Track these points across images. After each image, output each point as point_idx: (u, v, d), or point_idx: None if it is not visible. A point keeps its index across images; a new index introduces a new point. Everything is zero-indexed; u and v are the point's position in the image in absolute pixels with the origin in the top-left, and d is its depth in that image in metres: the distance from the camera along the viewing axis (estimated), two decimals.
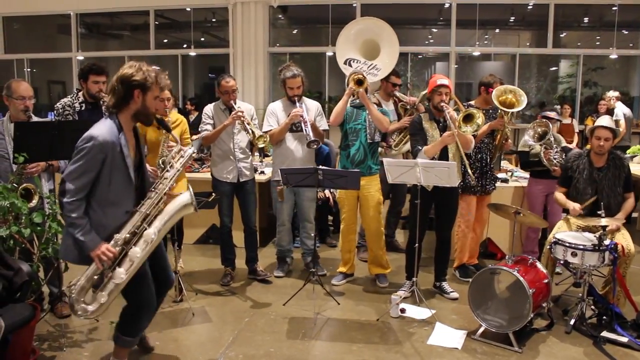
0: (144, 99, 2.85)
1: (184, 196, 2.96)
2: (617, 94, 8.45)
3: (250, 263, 5.00)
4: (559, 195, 4.42)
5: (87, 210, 2.79)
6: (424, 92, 5.11)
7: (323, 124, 4.94)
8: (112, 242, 2.81)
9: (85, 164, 2.71)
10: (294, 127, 4.78)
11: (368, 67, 5.79)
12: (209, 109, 4.78)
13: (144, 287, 3.00)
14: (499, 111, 4.68)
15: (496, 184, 5.03)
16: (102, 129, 2.76)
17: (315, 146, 4.65)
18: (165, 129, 3.37)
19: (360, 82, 4.47)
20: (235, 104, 4.66)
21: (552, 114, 5.13)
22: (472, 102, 4.98)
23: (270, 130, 4.80)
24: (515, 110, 4.64)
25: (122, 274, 2.81)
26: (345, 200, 4.80)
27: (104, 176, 2.77)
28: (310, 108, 4.84)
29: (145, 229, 2.86)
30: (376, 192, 4.75)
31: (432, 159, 4.30)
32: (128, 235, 2.84)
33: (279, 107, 4.90)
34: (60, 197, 2.77)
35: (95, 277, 2.85)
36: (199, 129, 4.78)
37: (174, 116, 4.62)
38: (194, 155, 3.12)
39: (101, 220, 2.82)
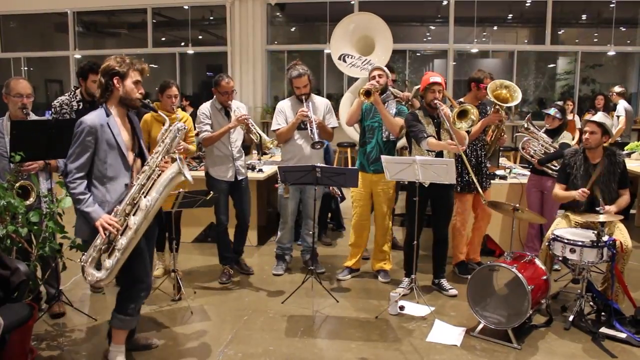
0: (123, 84, 3.10)
1: (174, 166, 3.08)
2: (622, 89, 8.43)
3: (236, 254, 5.04)
4: (560, 192, 4.40)
5: (91, 188, 3.06)
6: (417, 87, 5.11)
7: (332, 122, 4.93)
8: (112, 213, 3.03)
9: (79, 146, 3.00)
10: (302, 124, 4.77)
11: (362, 62, 5.80)
12: (205, 108, 4.75)
13: (137, 264, 3.16)
14: (494, 106, 4.68)
15: (491, 181, 5.03)
16: (90, 114, 3.08)
17: (318, 147, 4.65)
18: (150, 110, 3.44)
19: (368, 94, 4.43)
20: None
21: (551, 111, 5.14)
22: (462, 99, 4.96)
23: (279, 129, 4.81)
24: (508, 105, 4.65)
25: (123, 241, 3.00)
26: (358, 196, 4.80)
27: (99, 154, 3.04)
28: (318, 106, 4.84)
29: (142, 199, 3.04)
30: (390, 189, 4.76)
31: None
32: (128, 207, 3.04)
33: (288, 105, 4.90)
34: (64, 178, 3.08)
35: (103, 247, 3.03)
36: (196, 129, 4.78)
37: (179, 114, 4.62)
38: (183, 129, 3.21)
39: (105, 196, 3.06)
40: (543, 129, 5.16)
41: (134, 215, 3.02)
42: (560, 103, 5.34)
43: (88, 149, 3.00)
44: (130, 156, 3.16)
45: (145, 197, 3.04)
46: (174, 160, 3.12)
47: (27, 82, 3.92)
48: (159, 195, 3.05)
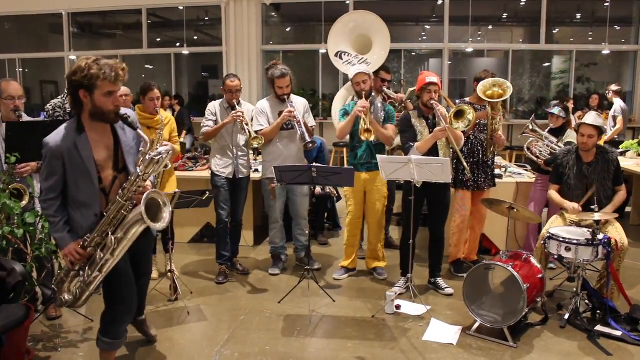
0: (92, 98, 2.66)
1: (137, 209, 2.70)
2: (619, 88, 8.43)
3: (232, 254, 5.05)
4: (554, 195, 4.42)
5: (68, 210, 2.82)
6: (411, 89, 5.11)
7: (311, 121, 4.96)
8: (82, 242, 2.81)
9: (47, 168, 2.73)
10: (285, 125, 4.79)
11: (358, 60, 5.79)
12: (212, 105, 4.85)
13: (122, 287, 2.96)
14: (487, 103, 4.68)
15: (495, 181, 5.01)
16: (55, 134, 2.73)
17: (311, 147, 4.67)
18: (129, 126, 2.82)
19: (369, 131, 4.44)
20: (238, 103, 4.71)
21: (555, 110, 5.13)
22: (467, 99, 4.98)
23: (262, 129, 4.80)
24: (502, 99, 4.64)
25: (87, 274, 2.80)
26: (351, 194, 4.81)
27: (70, 178, 2.75)
28: (298, 106, 4.85)
29: (109, 235, 2.76)
30: (382, 187, 4.78)
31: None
32: (98, 238, 2.79)
33: (268, 105, 4.89)
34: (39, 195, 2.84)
35: (73, 272, 2.87)
36: (201, 125, 4.87)
37: (162, 115, 4.62)
38: (165, 154, 2.77)
39: (80, 220, 2.82)
40: (547, 129, 5.16)
41: (101, 250, 2.77)
42: (553, 103, 5.34)
43: (56, 171, 2.71)
44: (108, 175, 2.83)
45: (112, 234, 2.74)
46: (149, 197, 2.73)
47: (18, 83, 3.90)
48: (124, 236, 2.74)
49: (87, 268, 2.81)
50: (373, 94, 4.79)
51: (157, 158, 2.75)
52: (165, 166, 2.85)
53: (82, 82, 2.62)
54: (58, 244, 2.81)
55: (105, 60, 2.68)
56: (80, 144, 2.70)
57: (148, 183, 2.83)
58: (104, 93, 2.65)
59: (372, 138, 4.45)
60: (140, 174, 2.75)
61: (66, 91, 4.40)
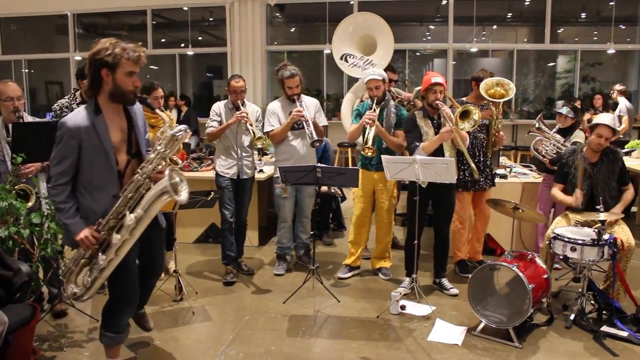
0: (113, 77, 2.71)
1: (162, 182, 2.68)
2: (623, 87, 8.40)
3: (236, 255, 5.06)
4: (557, 193, 4.41)
5: (77, 196, 2.79)
6: (418, 88, 5.09)
7: (322, 120, 4.98)
8: (95, 226, 2.78)
9: (61, 151, 2.71)
10: (295, 125, 4.81)
11: (364, 62, 5.80)
12: (217, 106, 4.87)
13: (126, 282, 2.94)
14: (490, 103, 4.67)
15: (495, 181, 5.01)
16: (74, 115, 2.76)
17: (318, 145, 4.69)
18: (148, 106, 3.06)
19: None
20: (243, 104, 4.73)
21: (563, 110, 5.12)
22: (464, 99, 4.98)
23: (273, 130, 4.83)
24: (504, 100, 4.64)
25: (102, 259, 2.76)
26: (360, 192, 4.82)
27: (85, 161, 2.73)
28: (308, 106, 4.86)
29: (126, 215, 2.73)
30: (391, 186, 4.80)
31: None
32: (112, 221, 2.77)
33: (279, 106, 4.92)
34: (47, 183, 2.80)
35: (83, 260, 2.85)
36: (206, 125, 4.89)
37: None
38: (180, 134, 2.82)
39: (91, 205, 2.79)
40: (555, 128, 5.15)
41: (117, 232, 2.73)
42: (560, 103, 5.32)
43: (71, 154, 2.70)
44: (122, 159, 2.85)
45: (130, 213, 2.72)
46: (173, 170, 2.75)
47: (15, 84, 3.88)
48: (144, 213, 2.70)
49: (100, 254, 2.77)
50: (387, 97, 4.78)
51: (177, 135, 2.81)
52: (176, 162, 2.85)
53: (106, 60, 2.66)
54: (70, 231, 2.74)
55: (126, 43, 2.75)
56: (98, 124, 2.72)
57: (164, 163, 2.87)
58: (126, 72, 2.71)
59: (370, 154, 4.47)
60: (160, 150, 2.80)
61: (73, 90, 4.47)
